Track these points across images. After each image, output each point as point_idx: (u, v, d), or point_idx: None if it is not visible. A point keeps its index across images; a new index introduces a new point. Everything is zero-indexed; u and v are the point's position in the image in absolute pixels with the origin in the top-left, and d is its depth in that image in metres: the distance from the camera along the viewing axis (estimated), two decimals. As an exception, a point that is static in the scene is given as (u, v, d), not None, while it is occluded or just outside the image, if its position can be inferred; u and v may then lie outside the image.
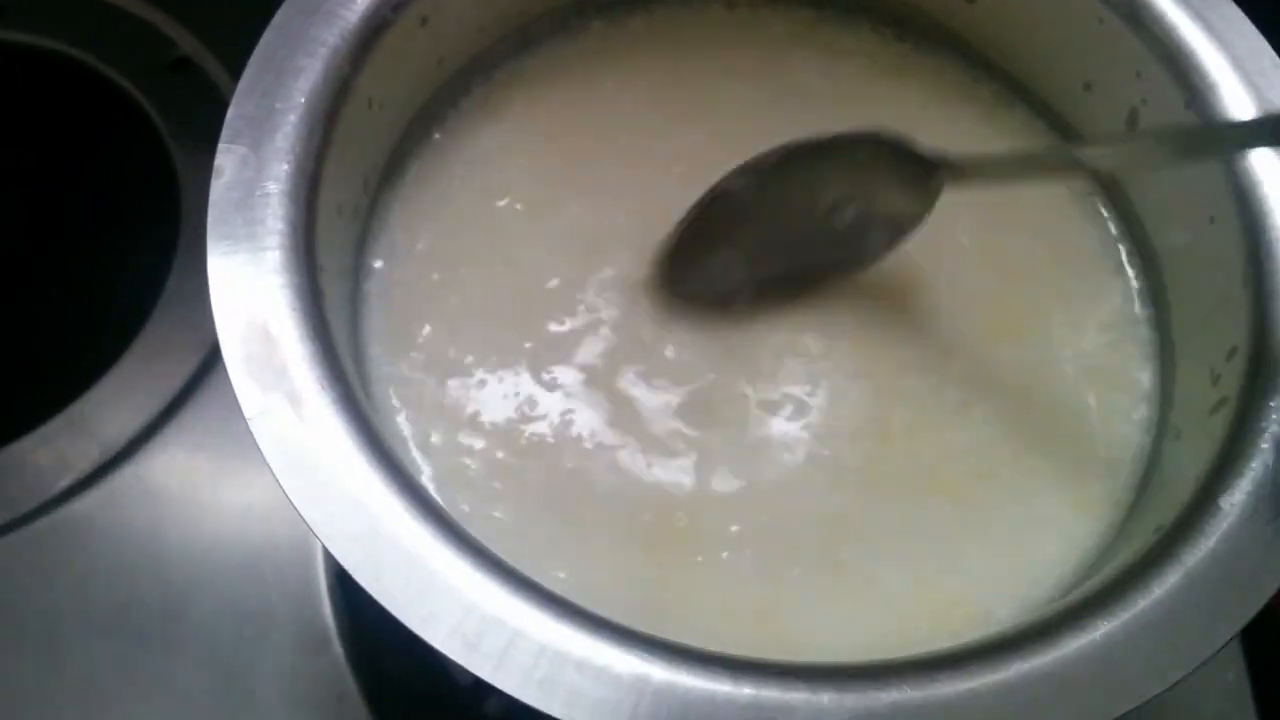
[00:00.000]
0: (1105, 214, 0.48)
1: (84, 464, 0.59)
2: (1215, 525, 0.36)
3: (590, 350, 0.44)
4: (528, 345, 0.44)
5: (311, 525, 0.33)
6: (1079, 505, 0.42)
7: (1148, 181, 0.46)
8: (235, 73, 0.68)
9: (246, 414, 0.34)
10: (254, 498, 0.58)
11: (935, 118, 0.50)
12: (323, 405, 0.34)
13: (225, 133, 0.38)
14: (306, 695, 0.54)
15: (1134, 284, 0.47)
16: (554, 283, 0.45)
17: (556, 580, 0.35)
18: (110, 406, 0.61)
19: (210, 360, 0.62)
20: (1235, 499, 0.36)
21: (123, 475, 0.59)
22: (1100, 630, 0.33)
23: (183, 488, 0.59)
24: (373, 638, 0.55)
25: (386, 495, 0.33)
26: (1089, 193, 0.49)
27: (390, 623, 0.32)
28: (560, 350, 0.44)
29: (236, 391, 0.34)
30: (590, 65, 0.50)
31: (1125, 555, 0.36)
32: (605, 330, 0.44)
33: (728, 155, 0.45)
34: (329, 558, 0.56)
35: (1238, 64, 0.42)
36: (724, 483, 0.42)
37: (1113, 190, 0.48)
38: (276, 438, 0.34)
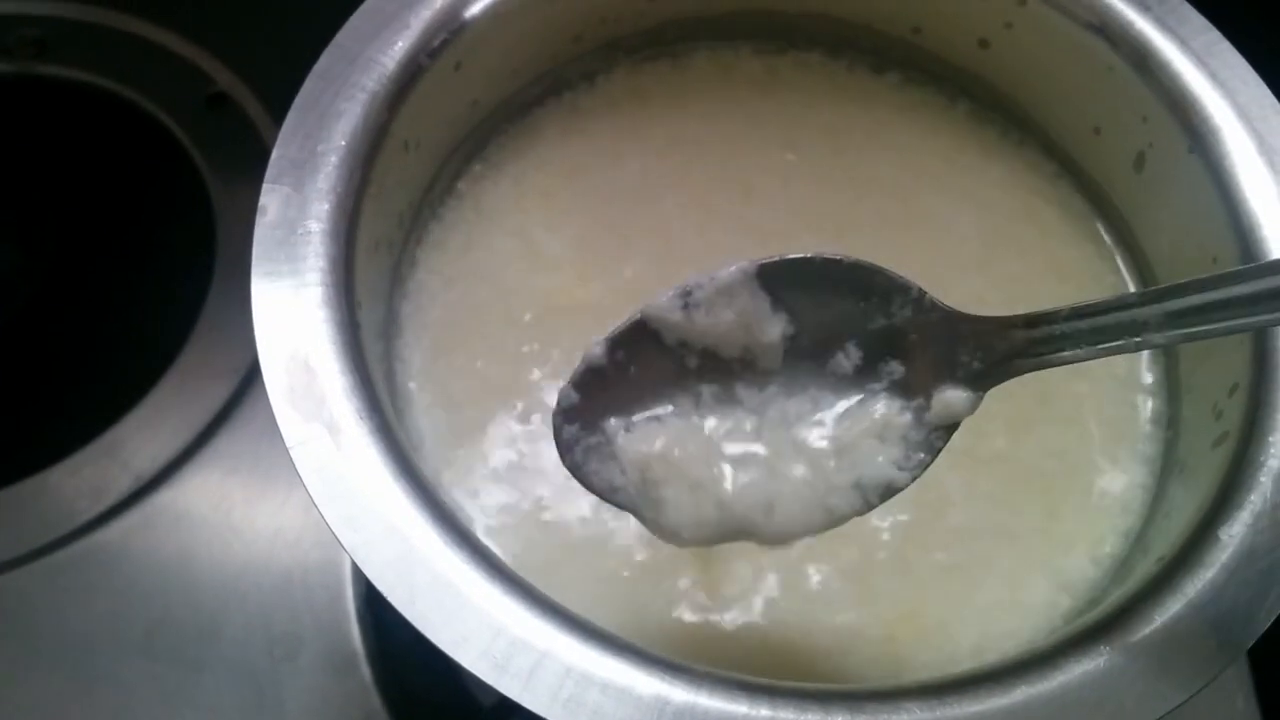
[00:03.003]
0: (1116, 255, 0.50)
1: (117, 491, 0.60)
2: (1215, 556, 0.37)
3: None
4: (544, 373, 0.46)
5: (349, 550, 0.34)
6: (1087, 538, 0.43)
7: (1155, 224, 0.48)
8: (270, 108, 0.72)
9: (288, 443, 0.35)
10: (284, 522, 0.60)
11: (940, 158, 0.52)
12: (360, 435, 0.36)
13: (269, 173, 0.40)
14: (334, 715, 0.55)
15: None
16: (583, 316, 0.47)
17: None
18: (144, 434, 0.62)
19: (242, 389, 0.63)
20: (1235, 530, 0.37)
21: (155, 501, 0.60)
22: (1104, 656, 0.35)
23: (214, 513, 0.60)
24: (399, 659, 0.56)
25: (420, 522, 0.35)
26: (1099, 232, 0.50)
27: (417, 645, 0.34)
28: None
29: (279, 421, 0.36)
30: (616, 107, 0.52)
31: (1129, 584, 0.38)
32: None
33: (747, 197, 0.48)
34: (358, 581, 0.58)
35: (1240, 110, 0.44)
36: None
37: (1122, 231, 0.50)
38: (316, 466, 0.35)
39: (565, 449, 0.36)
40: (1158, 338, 0.33)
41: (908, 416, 0.36)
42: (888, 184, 0.51)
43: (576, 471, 0.36)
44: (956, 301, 0.44)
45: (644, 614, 0.41)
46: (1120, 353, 0.34)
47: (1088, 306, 0.34)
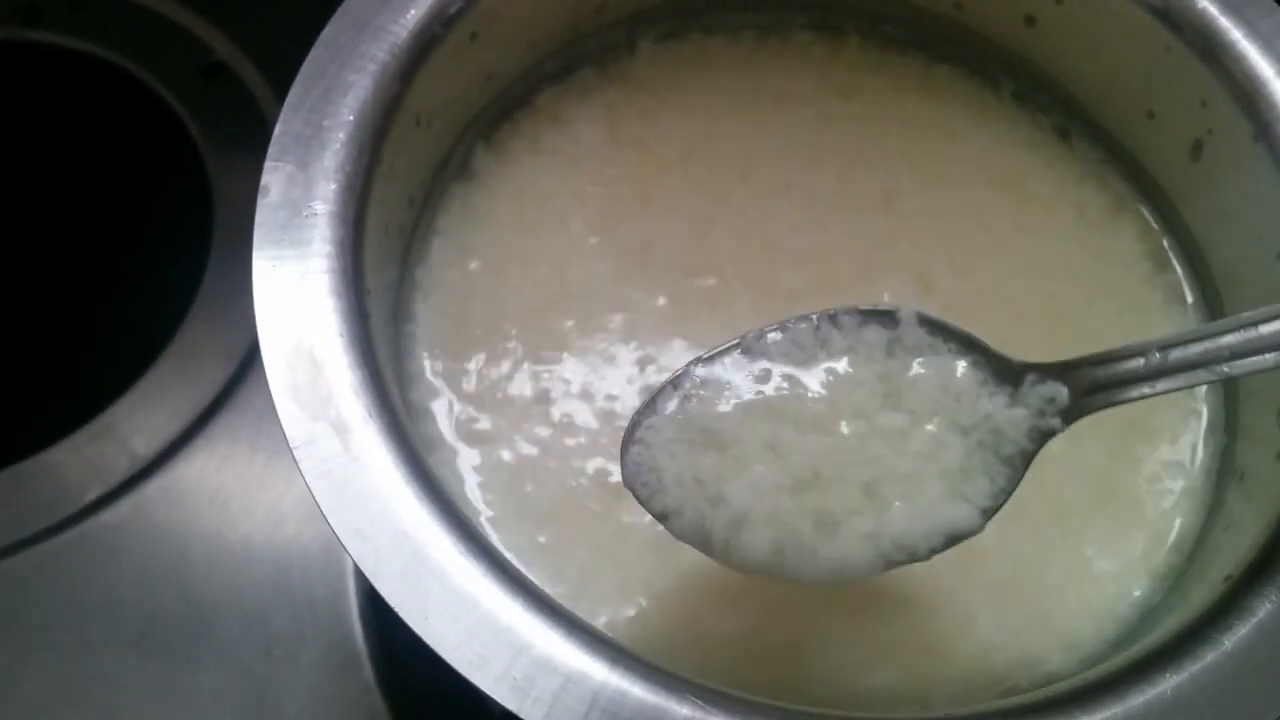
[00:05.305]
0: (1171, 254, 0.47)
1: (113, 474, 0.58)
2: (1288, 574, 0.34)
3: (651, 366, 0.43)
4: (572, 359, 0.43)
5: (357, 559, 0.32)
6: (1141, 549, 0.41)
7: (1212, 215, 0.45)
8: (270, 78, 0.69)
9: (292, 443, 0.33)
10: (283, 513, 0.58)
11: (981, 142, 0.50)
12: (369, 434, 0.34)
13: (272, 150, 0.37)
14: (336, 718, 0.53)
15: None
16: (600, 299, 0.45)
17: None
18: (141, 415, 0.60)
19: (242, 369, 0.61)
20: (1308, 547, 0.35)
21: (152, 486, 0.58)
22: (1169, 684, 0.32)
23: (212, 500, 0.58)
24: (404, 659, 0.54)
25: (434, 529, 0.33)
26: (1154, 230, 0.48)
27: (423, 645, 0.31)
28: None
29: (282, 420, 0.33)
30: (636, 84, 0.50)
31: (1192, 605, 0.35)
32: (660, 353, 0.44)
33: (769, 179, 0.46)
34: (361, 576, 0.55)
35: (1311, 96, 0.41)
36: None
37: (1173, 221, 0.47)
38: (322, 468, 0.33)
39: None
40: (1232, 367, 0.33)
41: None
42: (921, 164, 0.49)
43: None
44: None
45: (672, 633, 0.39)
46: (1193, 385, 0.34)
47: (1155, 342, 0.34)
